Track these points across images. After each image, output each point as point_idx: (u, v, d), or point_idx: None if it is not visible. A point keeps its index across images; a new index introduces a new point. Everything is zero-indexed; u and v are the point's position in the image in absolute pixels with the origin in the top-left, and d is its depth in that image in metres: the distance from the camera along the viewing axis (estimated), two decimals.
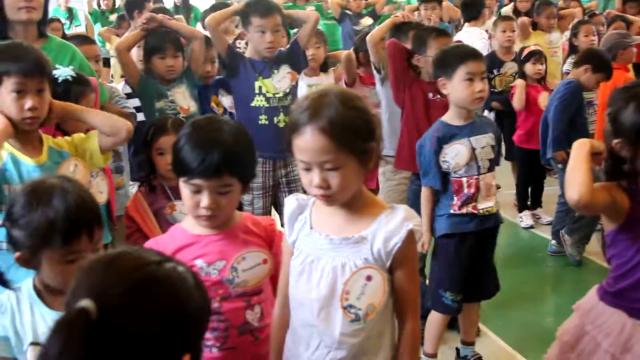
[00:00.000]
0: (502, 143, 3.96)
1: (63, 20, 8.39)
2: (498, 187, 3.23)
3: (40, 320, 1.72)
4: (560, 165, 4.32)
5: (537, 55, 5.04)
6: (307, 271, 1.74)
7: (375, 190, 3.99)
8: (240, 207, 2.05)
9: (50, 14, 4.76)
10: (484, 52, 4.99)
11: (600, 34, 5.87)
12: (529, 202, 5.28)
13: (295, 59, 3.87)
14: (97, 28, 8.62)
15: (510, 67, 5.39)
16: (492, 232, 3.05)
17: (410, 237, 1.69)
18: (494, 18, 6.48)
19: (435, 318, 3.05)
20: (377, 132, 1.69)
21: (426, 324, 3.06)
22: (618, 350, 2.05)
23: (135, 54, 3.87)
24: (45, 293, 1.74)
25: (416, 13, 5.49)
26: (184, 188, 1.85)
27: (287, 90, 3.78)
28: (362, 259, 1.69)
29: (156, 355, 1.08)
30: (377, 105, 3.98)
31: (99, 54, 3.90)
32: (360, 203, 1.74)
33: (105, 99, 3.30)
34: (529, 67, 5.05)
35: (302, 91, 4.16)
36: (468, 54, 2.92)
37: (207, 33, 3.93)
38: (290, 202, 1.83)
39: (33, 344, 1.70)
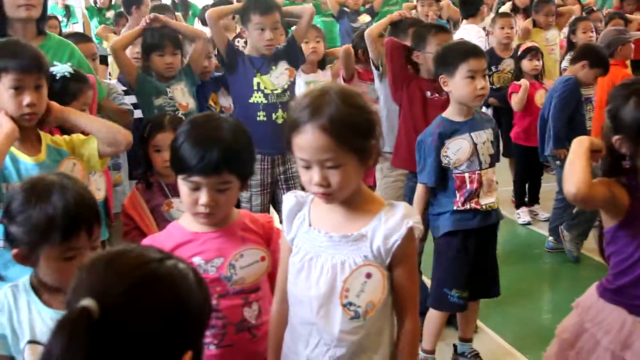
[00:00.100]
0: (500, 140, 3.96)
1: (60, 18, 8.39)
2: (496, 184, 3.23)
3: (37, 318, 1.71)
4: (558, 163, 4.33)
5: (533, 52, 5.02)
6: (307, 268, 1.73)
7: (373, 187, 3.98)
8: (237, 205, 2.05)
9: (48, 12, 4.74)
10: None
11: (599, 30, 5.87)
12: (526, 199, 5.28)
13: (293, 55, 3.86)
14: (94, 24, 8.59)
15: (508, 64, 5.38)
16: (493, 229, 3.05)
17: (410, 234, 1.68)
18: (492, 15, 6.47)
19: (434, 315, 3.05)
20: (377, 129, 1.69)
21: (425, 321, 3.05)
22: (618, 347, 2.05)
23: (129, 50, 3.87)
24: (42, 291, 1.74)
25: (413, 11, 5.49)
26: (183, 185, 1.84)
27: (285, 87, 3.77)
28: (362, 256, 1.69)
29: (158, 353, 1.07)
30: (375, 101, 3.98)
31: (96, 52, 3.89)
32: (359, 200, 1.73)
33: (103, 96, 3.30)
34: (525, 64, 5.03)
35: (300, 88, 4.16)
36: (470, 51, 2.91)
37: (205, 28, 3.92)
38: (288, 199, 1.82)
39: (30, 342, 1.69)
